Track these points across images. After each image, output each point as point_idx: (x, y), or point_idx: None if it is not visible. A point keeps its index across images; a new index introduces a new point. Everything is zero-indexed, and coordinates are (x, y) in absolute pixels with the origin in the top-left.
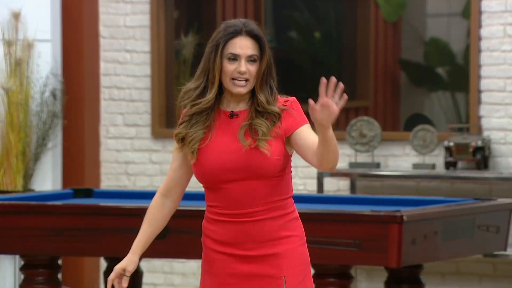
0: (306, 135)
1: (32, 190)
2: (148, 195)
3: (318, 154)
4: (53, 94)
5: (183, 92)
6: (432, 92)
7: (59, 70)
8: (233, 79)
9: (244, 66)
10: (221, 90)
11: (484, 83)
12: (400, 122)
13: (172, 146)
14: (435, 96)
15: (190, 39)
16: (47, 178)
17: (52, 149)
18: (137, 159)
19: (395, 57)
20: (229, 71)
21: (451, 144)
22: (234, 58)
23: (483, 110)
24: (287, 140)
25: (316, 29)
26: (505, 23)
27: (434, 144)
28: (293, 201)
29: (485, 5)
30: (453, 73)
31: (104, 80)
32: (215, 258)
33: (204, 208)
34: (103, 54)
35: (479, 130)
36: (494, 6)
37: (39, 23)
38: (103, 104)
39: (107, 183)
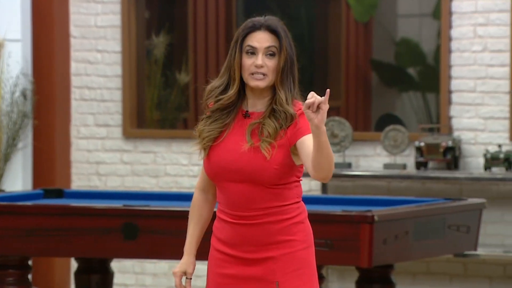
0: (309, 143)
1: (2, 191)
2: (120, 196)
3: (313, 160)
4: (24, 94)
5: (208, 90)
6: (403, 93)
7: (29, 70)
8: (251, 73)
9: (261, 59)
10: (244, 89)
11: (455, 84)
12: (371, 123)
13: (144, 146)
14: (406, 96)
15: (161, 39)
16: (18, 179)
17: (23, 150)
18: (108, 159)
19: (366, 57)
20: (247, 65)
21: (422, 144)
22: (253, 52)
23: (454, 110)
24: (294, 150)
25: (287, 29)
26: (475, 24)
27: (405, 144)
28: (299, 205)
29: (455, 6)
30: (423, 73)
31: (75, 80)
32: (216, 257)
33: (172, 208)
34: (73, 54)
35: (450, 130)
36: (464, 7)
37: (9, 23)
38: (73, 104)
39: (78, 183)
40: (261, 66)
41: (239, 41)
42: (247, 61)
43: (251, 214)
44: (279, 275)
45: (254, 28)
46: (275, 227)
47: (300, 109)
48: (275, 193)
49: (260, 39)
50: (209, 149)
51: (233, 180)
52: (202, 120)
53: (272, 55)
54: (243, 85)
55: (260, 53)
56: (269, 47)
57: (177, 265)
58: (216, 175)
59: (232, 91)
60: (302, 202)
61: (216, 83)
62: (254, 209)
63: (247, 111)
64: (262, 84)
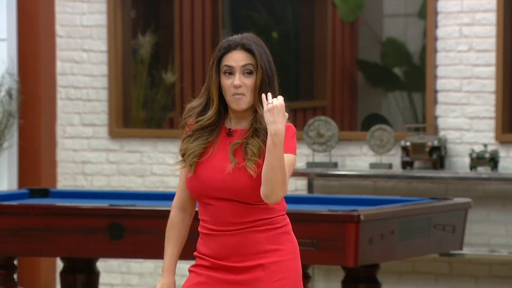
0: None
1: None
2: (105, 195)
3: (262, 172)
4: (9, 94)
5: (187, 109)
6: (389, 92)
7: (15, 70)
8: (232, 95)
9: (238, 79)
10: (226, 107)
11: (440, 83)
12: (357, 122)
13: (130, 146)
14: (392, 96)
15: (147, 38)
16: (3, 178)
17: (8, 149)
18: (94, 159)
19: (352, 57)
20: (227, 86)
21: (408, 144)
22: (230, 72)
23: (440, 110)
24: None
25: (273, 29)
26: (461, 24)
27: (391, 144)
28: (285, 217)
29: (441, 6)
30: (409, 73)
31: (60, 80)
32: (202, 264)
33: (158, 208)
34: (59, 54)
35: (436, 130)
36: (450, 6)
37: None
38: (59, 103)
39: (63, 183)
40: (240, 86)
41: (216, 62)
42: (226, 82)
43: (239, 228)
44: (265, 283)
45: (229, 48)
46: (262, 236)
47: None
48: (261, 208)
49: (236, 59)
50: (195, 166)
51: (219, 198)
52: (184, 140)
53: (250, 73)
54: (224, 104)
55: (237, 72)
56: (245, 65)
57: (158, 286)
58: (201, 194)
59: (211, 112)
60: (286, 215)
61: (195, 103)
62: (241, 223)
63: (230, 129)
64: (243, 105)
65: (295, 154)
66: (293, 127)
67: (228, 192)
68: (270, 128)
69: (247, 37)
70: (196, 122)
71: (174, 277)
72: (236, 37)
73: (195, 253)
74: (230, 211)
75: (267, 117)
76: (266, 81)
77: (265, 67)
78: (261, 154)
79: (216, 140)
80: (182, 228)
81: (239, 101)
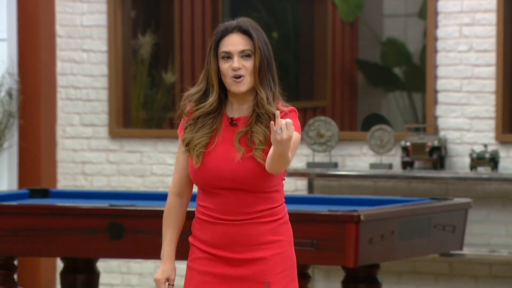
0: None
1: None
2: (105, 195)
3: (268, 159)
4: (9, 94)
5: (184, 97)
6: (389, 92)
7: (15, 70)
8: (231, 77)
9: (237, 62)
10: (226, 94)
11: (441, 83)
12: (357, 122)
13: (130, 146)
14: (392, 96)
15: (147, 38)
16: (3, 178)
17: (8, 149)
18: (94, 159)
19: (352, 57)
20: (225, 70)
21: (408, 144)
22: (228, 56)
23: (440, 110)
24: None
25: (273, 29)
26: (461, 24)
27: (391, 144)
28: (284, 206)
29: (441, 6)
30: (409, 73)
31: (60, 80)
32: (201, 256)
33: (158, 208)
34: (59, 54)
35: (436, 130)
36: (450, 6)
37: None
38: (59, 103)
39: (63, 183)
40: (239, 68)
41: (213, 46)
42: (224, 65)
43: (243, 218)
44: (270, 276)
45: (226, 32)
46: (265, 227)
47: (282, 111)
48: (267, 197)
49: (234, 42)
50: (202, 157)
51: (226, 188)
52: (186, 129)
53: (248, 56)
54: (224, 90)
55: (235, 56)
56: (243, 50)
57: (159, 272)
58: (209, 184)
59: (212, 98)
60: (284, 204)
61: (193, 90)
62: (246, 213)
63: (232, 118)
64: (243, 88)
65: (300, 133)
66: (296, 110)
67: (237, 181)
68: (275, 148)
69: (244, 20)
70: (197, 110)
71: (174, 263)
72: (232, 21)
73: (190, 239)
74: (237, 200)
75: (273, 143)
76: (264, 63)
77: (263, 49)
78: (267, 141)
79: (219, 128)
80: (179, 213)
81: (239, 84)
